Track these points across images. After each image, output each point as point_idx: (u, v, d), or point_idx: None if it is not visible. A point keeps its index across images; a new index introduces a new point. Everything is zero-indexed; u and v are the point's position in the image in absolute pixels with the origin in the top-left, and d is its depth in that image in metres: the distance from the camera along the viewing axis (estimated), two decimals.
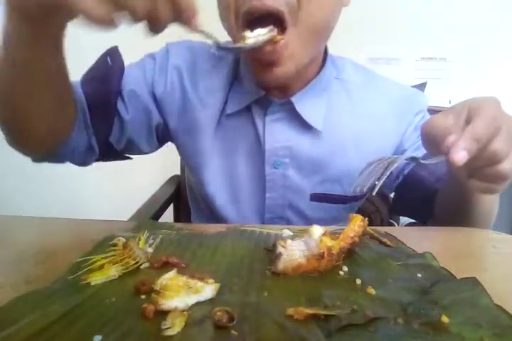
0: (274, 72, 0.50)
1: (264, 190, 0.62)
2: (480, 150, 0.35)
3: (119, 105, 0.58)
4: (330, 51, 0.64)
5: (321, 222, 0.62)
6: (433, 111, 2.15)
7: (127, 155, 0.65)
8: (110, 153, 0.61)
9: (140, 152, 0.65)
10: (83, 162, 0.59)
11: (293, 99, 0.57)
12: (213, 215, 0.67)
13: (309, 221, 0.63)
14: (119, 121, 0.59)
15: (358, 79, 0.63)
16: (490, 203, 0.52)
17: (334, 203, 0.63)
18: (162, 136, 0.66)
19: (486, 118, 0.35)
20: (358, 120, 0.62)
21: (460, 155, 0.33)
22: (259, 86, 0.58)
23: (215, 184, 0.64)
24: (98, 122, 0.57)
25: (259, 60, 0.49)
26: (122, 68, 0.58)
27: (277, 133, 0.59)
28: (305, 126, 0.59)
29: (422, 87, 1.95)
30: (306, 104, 0.58)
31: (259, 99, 0.59)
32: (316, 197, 0.62)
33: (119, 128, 0.59)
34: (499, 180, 0.38)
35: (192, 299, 0.30)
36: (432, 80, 2.18)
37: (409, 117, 0.63)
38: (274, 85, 0.54)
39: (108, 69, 0.57)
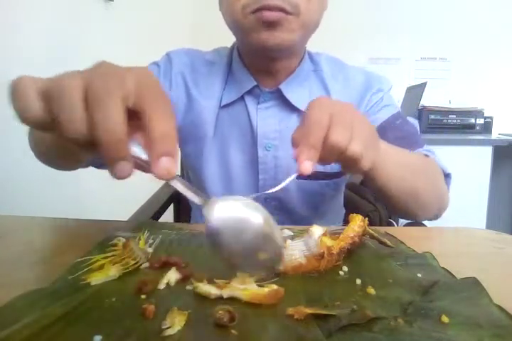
0: (276, 32, 0.56)
1: (257, 172, 0.68)
2: (339, 156, 0.38)
3: None
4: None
5: (309, 199, 0.70)
6: (433, 111, 2.15)
7: None
8: None
9: None
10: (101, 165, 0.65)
11: (281, 87, 0.65)
12: None
13: (299, 199, 0.69)
14: None
15: (330, 70, 0.71)
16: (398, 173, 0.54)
17: (317, 179, 0.69)
18: None
19: (343, 125, 0.38)
20: None
21: (305, 166, 0.36)
22: (254, 68, 0.66)
23: (211, 170, 0.70)
24: None
25: (265, 20, 0.55)
26: None
27: (269, 118, 0.67)
28: (293, 110, 0.67)
29: (422, 87, 1.95)
30: (292, 91, 0.66)
31: (251, 90, 0.66)
32: (302, 175, 0.68)
33: None
34: (359, 170, 0.42)
35: None
36: (431, 80, 2.17)
37: (368, 96, 0.69)
38: (274, 48, 0.58)
39: None
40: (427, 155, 0.63)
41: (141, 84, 0.28)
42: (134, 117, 0.27)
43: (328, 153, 0.38)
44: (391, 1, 2.38)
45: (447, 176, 0.65)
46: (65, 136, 0.26)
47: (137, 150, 0.27)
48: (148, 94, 0.28)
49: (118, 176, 0.27)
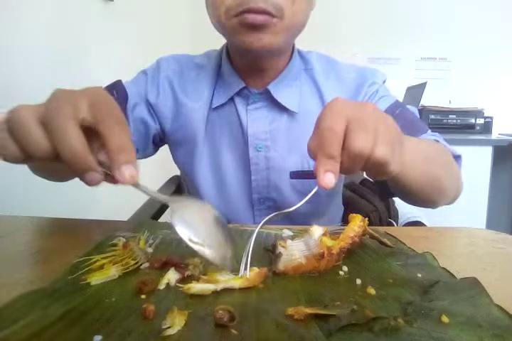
0: (261, 34, 0.55)
1: (249, 173, 0.68)
2: (365, 163, 0.34)
3: None
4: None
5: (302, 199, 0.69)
6: (433, 111, 2.15)
7: None
8: None
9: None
10: None
11: (269, 87, 0.65)
12: None
13: (293, 199, 0.68)
14: None
15: (321, 68, 0.70)
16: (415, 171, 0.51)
17: (310, 178, 0.68)
18: (159, 141, 0.74)
19: (364, 128, 0.33)
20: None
21: (325, 179, 0.33)
22: (241, 70, 0.66)
23: (203, 173, 0.70)
24: None
25: (250, 23, 0.54)
26: (126, 97, 0.67)
27: (259, 119, 0.67)
28: (282, 110, 0.67)
29: (422, 87, 1.95)
30: (281, 92, 0.66)
31: (240, 91, 0.66)
32: (295, 175, 0.68)
33: None
34: (387, 176, 0.39)
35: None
36: (431, 80, 2.17)
37: (363, 91, 0.69)
38: (259, 50, 0.58)
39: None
40: (436, 141, 0.62)
41: (93, 105, 0.32)
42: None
43: (352, 161, 0.34)
44: (391, 1, 2.38)
45: (458, 158, 0.64)
46: (35, 159, 0.31)
47: (106, 162, 0.32)
48: (101, 113, 0.31)
49: (89, 184, 0.31)
